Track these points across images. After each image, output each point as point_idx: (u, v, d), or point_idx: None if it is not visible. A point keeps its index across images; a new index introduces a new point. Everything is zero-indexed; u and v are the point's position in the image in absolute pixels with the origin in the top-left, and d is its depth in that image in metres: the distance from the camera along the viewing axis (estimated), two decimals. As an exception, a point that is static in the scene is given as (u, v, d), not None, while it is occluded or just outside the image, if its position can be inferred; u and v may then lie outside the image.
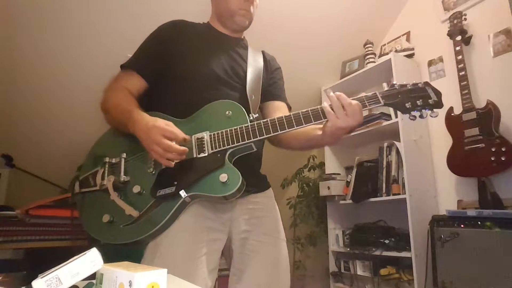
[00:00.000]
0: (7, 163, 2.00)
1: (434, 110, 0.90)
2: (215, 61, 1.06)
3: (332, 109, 0.88)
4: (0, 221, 1.46)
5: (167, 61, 1.03)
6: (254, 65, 1.13)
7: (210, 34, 1.13)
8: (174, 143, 0.85)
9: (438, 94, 0.91)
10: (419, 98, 0.90)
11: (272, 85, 1.19)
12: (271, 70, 1.21)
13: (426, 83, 0.92)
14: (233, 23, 1.11)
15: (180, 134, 0.87)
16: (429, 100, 0.89)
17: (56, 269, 0.51)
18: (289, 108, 1.19)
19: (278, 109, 1.16)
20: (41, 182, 2.05)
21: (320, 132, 0.96)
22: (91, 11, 1.77)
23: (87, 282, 0.57)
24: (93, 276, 0.56)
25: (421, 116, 0.90)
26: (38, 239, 1.54)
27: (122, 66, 1.06)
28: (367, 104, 0.91)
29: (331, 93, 0.89)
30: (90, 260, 0.54)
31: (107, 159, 0.95)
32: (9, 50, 1.79)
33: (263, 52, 1.22)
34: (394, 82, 0.94)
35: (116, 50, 1.88)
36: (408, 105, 0.90)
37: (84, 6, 1.74)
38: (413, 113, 0.90)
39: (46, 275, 0.50)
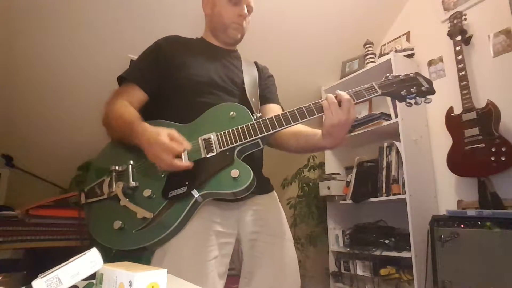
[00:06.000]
0: (7, 163, 2.00)
1: (428, 96, 0.95)
2: (211, 69, 1.09)
3: (328, 105, 0.91)
4: (0, 221, 1.46)
5: (166, 73, 1.05)
6: (249, 73, 1.17)
7: (204, 47, 1.17)
8: (176, 159, 0.86)
9: (429, 82, 0.96)
10: (412, 86, 0.95)
11: (265, 90, 1.22)
12: (264, 77, 1.25)
13: (417, 73, 0.98)
14: (226, 36, 1.15)
15: (181, 147, 0.87)
16: (422, 88, 0.95)
17: (56, 269, 0.51)
18: (282, 110, 1.21)
19: (273, 111, 1.17)
20: (41, 182, 2.05)
21: (319, 134, 0.99)
22: (91, 12, 1.77)
23: (87, 282, 0.57)
24: (93, 276, 0.56)
25: (416, 103, 0.96)
26: (38, 239, 1.54)
27: (121, 79, 1.07)
28: (365, 94, 0.95)
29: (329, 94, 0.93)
30: (90, 260, 0.54)
31: (113, 168, 0.94)
32: (9, 50, 1.79)
33: (255, 63, 1.26)
34: (387, 74, 0.99)
35: (116, 51, 1.89)
36: (403, 92, 0.95)
37: (84, 7, 1.74)
38: (408, 100, 0.96)
39: (46, 275, 0.50)
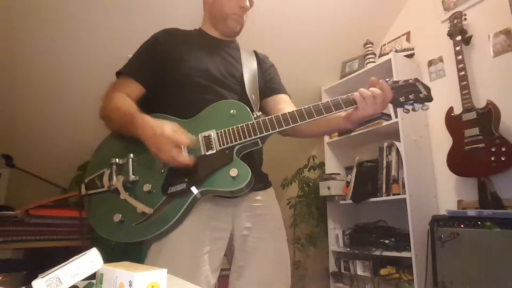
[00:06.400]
0: (7, 163, 2.00)
1: (425, 103, 0.97)
2: (210, 63, 1.08)
3: (363, 98, 0.93)
4: (0, 221, 1.46)
5: (164, 67, 1.05)
6: (248, 66, 1.16)
7: (202, 39, 1.16)
8: (182, 150, 0.87)
9: (427, 89, 0.98)
10: (411, 92, 0.97)
11: (269, 81, 1.22)
12: (265, 68, 1.23)
13: (416, 79, 0.99)
14: (225, 26, 1.15)
15: (186, 140, 0.88)
16: (420, 94, 0.96)
17: (56, 269, 0.51)
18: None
19: (282, 101, 1.18)
20: (41, 182, 2.05)
21: (341, 117, 1.01)
22: (91, 11, 1.77)
23: (87, 282, 0.57)
24: (93, 276, 0.56)
25: (413, 109, 0.98)
26: (38, 239, 1.54)
27: (118, 73, 1.07)
28: None
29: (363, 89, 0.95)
30: (90, 260, 0.54)
31: (113, 160, 0.95)
32: (9, 50, 1.79)
33: (255, 52, 1.25)
34: (387, 79, 0.99)
35: (115, 50, 1.89)
36: (402, 99, 0.97)
37: (84, 6, 1.74)
38: (406, 106, 0.98)
39: (46, 275, 0.50)
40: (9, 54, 1.80)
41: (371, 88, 0.94)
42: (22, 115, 2.05)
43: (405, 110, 0.98)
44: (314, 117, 0.93)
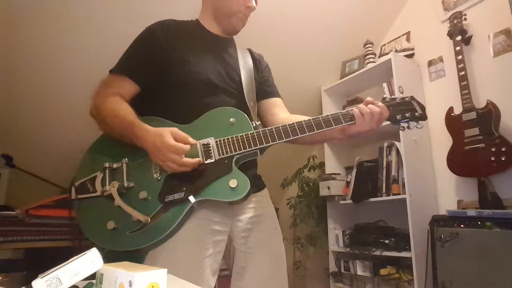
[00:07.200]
0: (7, 163, 1.99)
1: (419, 122, 0.99)
2: (211, 66, 1.06)
3: (361, 114, 0.95)
4: (0, 221, 1.46)
5: (161, 66, 1.01)
6: (245, 67, 1.15)
7: (202, 35, 1.12)
8: (185, 158, 0.86)
9: (422, 107, 1.00)
10: (407, 111, 0.99)
11: (264, 83, 1.21)
12: (261, 69, 1.22)
13: (412, 97, 1.02)
14: (229, 23, 1.11)
15: (187, 147, 0.87)
16: (416, 113, 0.99)
17: (56, 269, 0.51)
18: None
19: (275, 105, 1.18)
20: (41, 182, 2.05)
21: (336, 130, 1.01)
22: (92, 10, 1.77)
23: (87, 282, 0.57)
24: (93, 276, 0.56)
25: (408, 127, 1.00)
26: (38, 239, 1.54)
27: (112, 71, 1.02)
28: None
29: (361, 105, 0.97)
30: (90, 260, 0.54)
31: (107, 164, 0.91)
32: (9, 50, 1.79)
33: (250, 51, 1.23)
34: (385, 96, 1.02)
35: (117, 49, 1.89)
36: (399, 117, 0.99)
37: (84, 5, 1.74)
38: (402, 124, 1.00)
39: (46, 275, 0.50)
40: (9, 54, 1.80)
41: (370, 106, 0.96)
42: (22, 115, 2.04)
43: (401, 128, 1.01)
44: (314, 130, 0.94)
